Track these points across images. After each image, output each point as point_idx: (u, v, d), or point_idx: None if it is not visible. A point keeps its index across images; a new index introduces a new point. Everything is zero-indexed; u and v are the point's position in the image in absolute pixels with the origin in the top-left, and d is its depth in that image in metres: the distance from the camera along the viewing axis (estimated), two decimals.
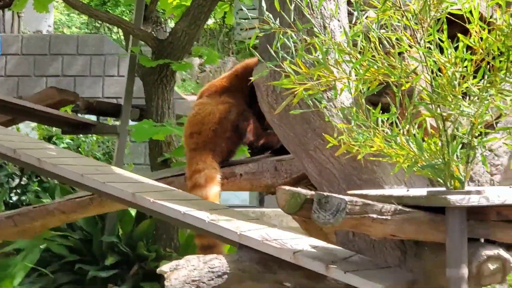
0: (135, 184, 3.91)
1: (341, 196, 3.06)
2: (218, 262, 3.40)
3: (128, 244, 7.95)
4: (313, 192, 3.13)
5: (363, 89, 3.18)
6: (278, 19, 3.28)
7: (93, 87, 15.52)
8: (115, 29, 19.97)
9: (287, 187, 3.22)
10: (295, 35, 3.26)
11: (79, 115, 9.48)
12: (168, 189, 4.04)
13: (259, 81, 3.86)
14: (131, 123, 8.73)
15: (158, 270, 3.33)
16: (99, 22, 19.35)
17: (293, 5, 3.35)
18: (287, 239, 3.57)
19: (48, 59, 15.78)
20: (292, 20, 3.28)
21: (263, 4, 3.31)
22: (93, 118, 9.77)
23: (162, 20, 9.72)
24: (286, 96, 3.83)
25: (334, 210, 3.02)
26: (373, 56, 3.15)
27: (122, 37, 19.84)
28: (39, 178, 9.61)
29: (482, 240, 3.34)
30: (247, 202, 13.19)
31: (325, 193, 3.07)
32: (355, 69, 3.16)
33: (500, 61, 3.05)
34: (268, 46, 3.39)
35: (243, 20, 7.88)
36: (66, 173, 3.73)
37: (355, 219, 3.07)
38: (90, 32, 19.29)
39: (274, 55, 3.26)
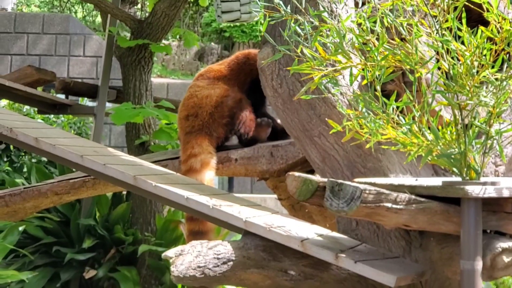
0: (135, 167, 3.80)
1: (355, 183, 2.98)
2: (223, 248, 3.31)
3: (104, 227, 7.83)
4: (325, 179, 3.06)
5: (379, 75, 3.12)
6: (288, 6, 3.21)
7: (58, 66, 15.34)
8: (79, 8, 19.71)
9: (297, 174, 3.13)
10: (306, 22, 3.18)
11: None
12: (167, 173, 3.93)
13: (264, 65, 3.78)
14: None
15: (163, 255, 3.24)
16: (62, 0, 19.07)
17: None
18: (291, 226, 3.49)
19: (12, 37, 15.56)
20: (303, 6, 3.21)
21: None
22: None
23: (139, 1, 9.56)
24: (291, 80, 3.76)
25: (348, 198, 2.95)
26: (389, 42, 3.09)
27: (87, 18, 19.61)
28: (9, 158, 9.43)
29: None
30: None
31: (339, 181, 2.99)
32: (371, 55, 3.10)
33: None
34: (281, 30, 3.32)
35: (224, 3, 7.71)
36: (65, 154, 3.60)
37: (369, 208, 2.99)
38: (49, 11, 19.04)
39: (288, 39, 3.18)
